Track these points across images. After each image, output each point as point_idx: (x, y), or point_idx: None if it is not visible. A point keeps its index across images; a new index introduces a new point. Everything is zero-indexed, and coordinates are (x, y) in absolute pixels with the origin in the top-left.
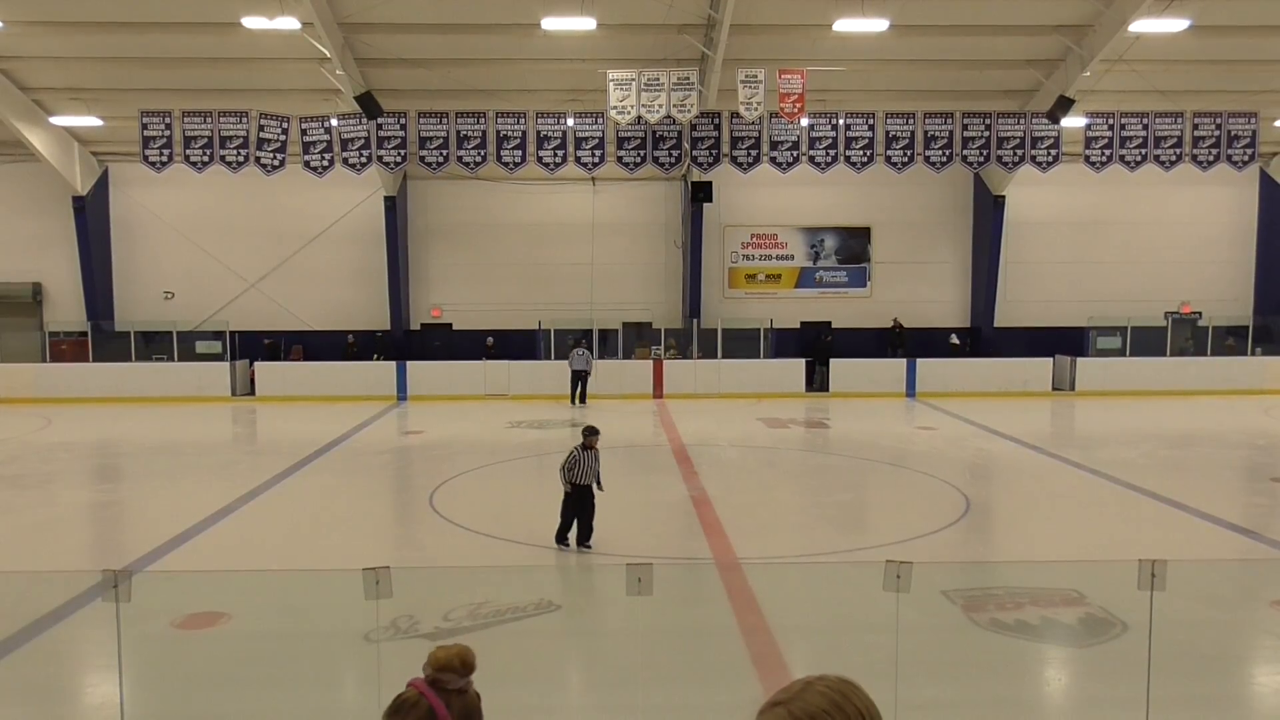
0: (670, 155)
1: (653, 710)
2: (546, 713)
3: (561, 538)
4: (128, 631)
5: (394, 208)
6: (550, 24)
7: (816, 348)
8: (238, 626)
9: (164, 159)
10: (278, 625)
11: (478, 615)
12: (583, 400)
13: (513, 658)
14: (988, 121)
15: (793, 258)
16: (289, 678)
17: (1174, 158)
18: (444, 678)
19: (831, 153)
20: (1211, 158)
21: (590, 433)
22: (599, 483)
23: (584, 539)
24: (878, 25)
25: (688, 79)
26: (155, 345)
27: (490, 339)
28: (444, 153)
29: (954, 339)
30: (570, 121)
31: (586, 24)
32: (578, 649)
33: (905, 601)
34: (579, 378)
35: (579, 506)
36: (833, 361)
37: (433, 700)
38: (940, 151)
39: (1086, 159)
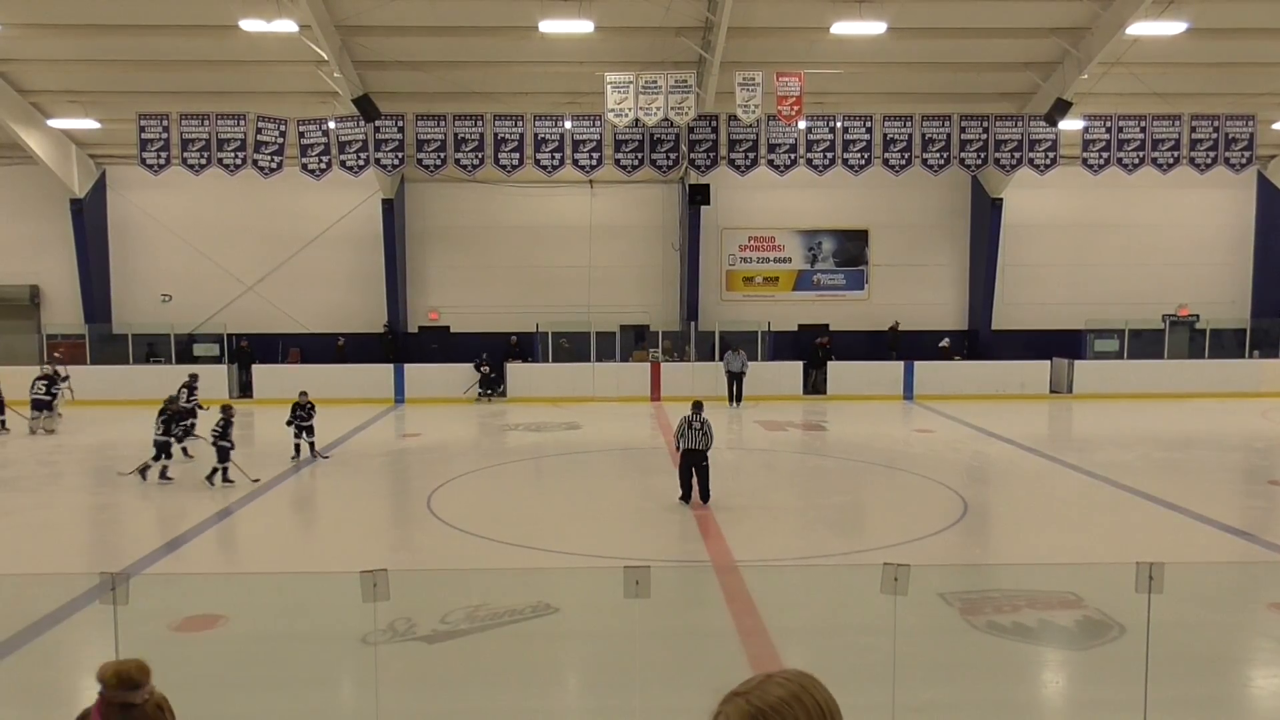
0: (668, 158)
1: (650, 713)
2: (543, 715)
3: None
4: (125, 634)
5: (391, 210)
6: (548, 27)
7: (812, 354)
8: (235, 629)
9: (161, 162)
10: (275, 628)
11: (475, 618)
12: (739, 400)
13: (510, 660)
14: (985, 124)
15: (790, 260)
16: (287, 680)
17: (1171, 160)
18: (123, 695)
19: (829, 155)
20: (1209, 160)
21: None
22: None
23: None
24: (875, 28)
25: (685, 82)
26: (148, 344)
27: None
28: (441, 155)
29: (945, 343)
30: (568, 124)
31: (584, 27)
32: (575, 652)
33: (903, 604)
34: (734, 379)
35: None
36: (830, 364)
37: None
38: (938, 154)
39: (1084, 161)
